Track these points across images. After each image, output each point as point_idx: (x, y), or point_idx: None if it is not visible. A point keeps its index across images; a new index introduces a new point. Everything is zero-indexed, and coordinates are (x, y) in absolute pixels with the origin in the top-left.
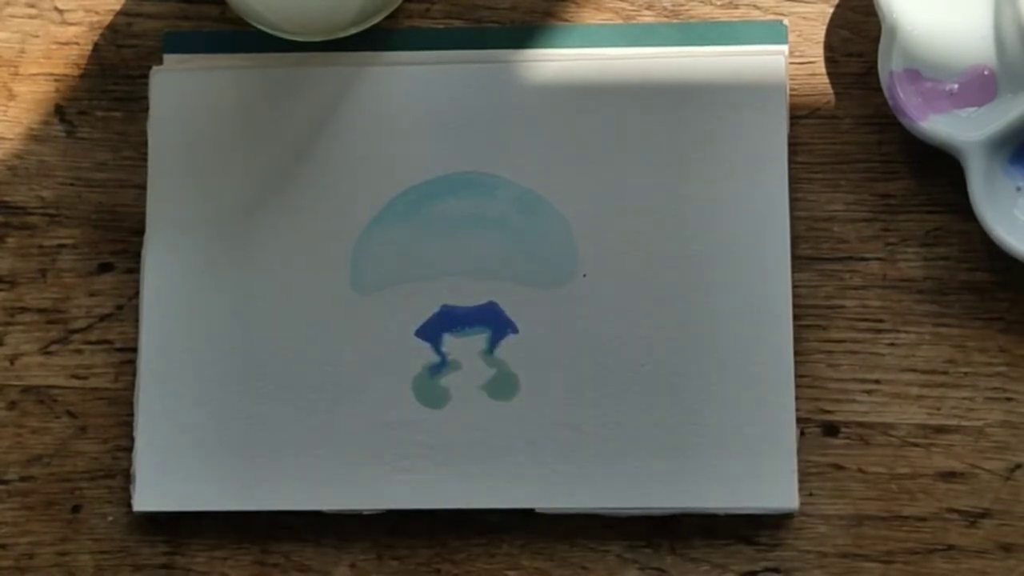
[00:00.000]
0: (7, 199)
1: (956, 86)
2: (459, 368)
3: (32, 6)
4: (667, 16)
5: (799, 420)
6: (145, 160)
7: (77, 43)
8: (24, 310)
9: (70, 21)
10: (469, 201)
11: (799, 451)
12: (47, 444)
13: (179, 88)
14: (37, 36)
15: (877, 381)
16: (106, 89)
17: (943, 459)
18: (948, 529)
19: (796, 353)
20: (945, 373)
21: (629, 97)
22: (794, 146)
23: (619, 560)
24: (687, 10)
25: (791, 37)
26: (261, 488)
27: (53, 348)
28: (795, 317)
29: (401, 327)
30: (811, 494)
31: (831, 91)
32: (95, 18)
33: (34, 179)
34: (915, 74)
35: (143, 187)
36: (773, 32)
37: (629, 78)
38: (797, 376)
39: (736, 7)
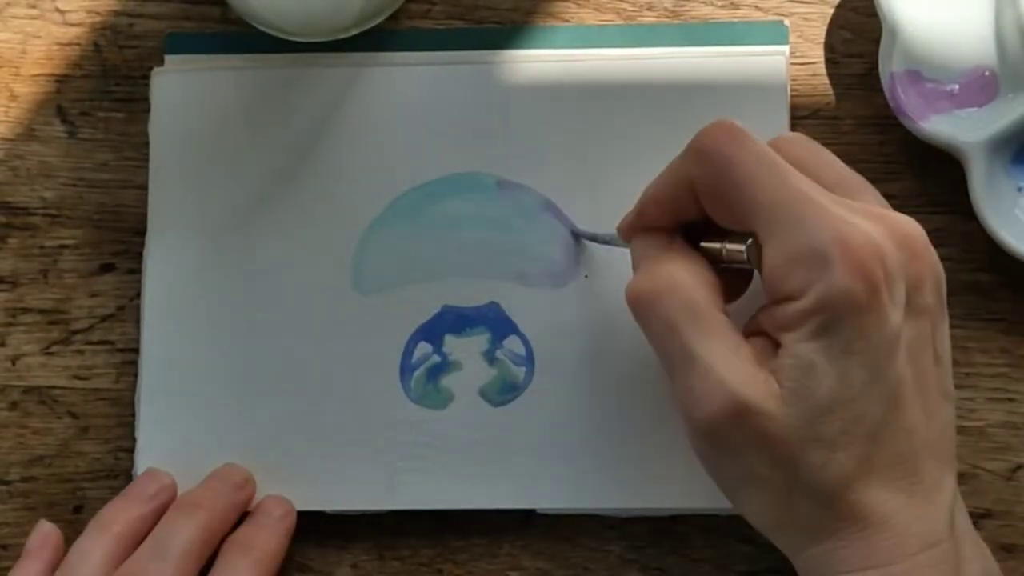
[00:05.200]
0: (8, 199)
1: (957, 87)
2: (460, 368)
3: (34, 7)
4: (668, 16)
5: None
6: (146, 161)
7: (79, 44)
8: (26, 311)
9: (72, 22)
10: (470, 201)
11: None
12: (49, 444)
13: (181, 89)
14: (39, 37)
15: None
16: (108, 90)
17: None
18: None
19: None
20: None
21: (630, 98)
22: None
23: (620, 561)
24: (688, 10)
25: (792, 38)
26: (262, 488)
27: (54, 348)
28: None
29: (402, 327)
30: None
31: (832, 92)
32: (97, 19)
33: (35, 180)
34: (916, 75)
35: (144, 188)
36: (774, 33)
37: (630, 79)
38: None
39: (737, 7)
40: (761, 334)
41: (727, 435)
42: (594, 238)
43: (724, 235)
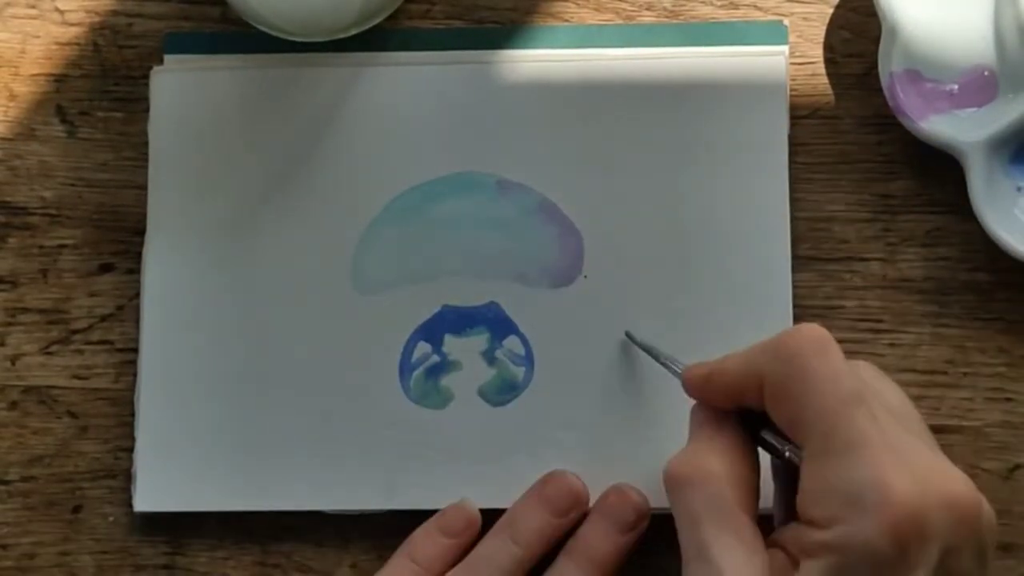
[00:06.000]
0: (8, 199)
1: (956, 86)
2: (460, 368)
3: (33, 6)
4: (667, 16)
5: None
6: (146, 160)
7: (78, 43)
8: (25, 310)
9: (71, 21)
10: (470, 201)
11: None
12: (48, 444)
13: (180, 88)
14: (38, 36)
15: None
16: (107, 89)
17: None
18: None
19: None
20: (945, 373)
21: (629, 98)
22: (794, 146)
23: None
24: (687, 10)
25: (791, 37)
26: (262, 488)
27: (54, 348)
28: (795, 317)
29: (402, 327)
30: None
31: (831, 91)
32: (96, 19)
33: (35, 179)
34: (915, 74)
35: (144, 187)
36: (773, 32)
37: (629, 79)
38: None
39: (736, 7)
40: (784, 549)
41: None
42: (649, 351)
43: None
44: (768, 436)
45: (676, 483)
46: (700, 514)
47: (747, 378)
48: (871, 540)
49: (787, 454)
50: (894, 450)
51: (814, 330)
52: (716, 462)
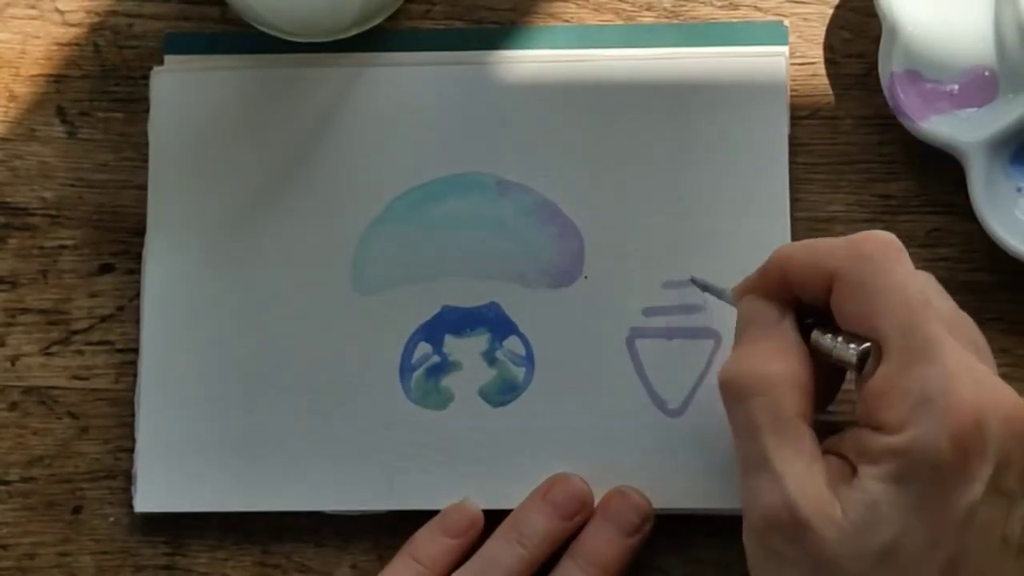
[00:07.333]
0: (8, 200)
1: (957, 87)
2: (460, 369)
3: (33, 7)
4: (667, 17)
5: None
6: (146, 161)
7: (78, 44)
8: (25, 311)
9: (71, 22)
10: (470, 201)
11: None
12: (48, 445)
13: (180, 89)
14: (38, 37)
15: None
16: (107, 90)
17: None
18: None
19: None
20: None
21: (629, 98)
22: (794, 147)
23: None
24: (687, 11)
25: (791, 38)
26: (262, 489)
27: (54, 349)
28: None
29: (402, 328)
30: None
31: (831, 92)
32: (96, 19)
33: (35, 180)
34: (916, 75)
35: (144, 188)
36: (773, 33)
37: (629, 79)
38: None
39: (736, 8)
40: (841, 456)
41: (779, 545)
42: (707, 288)
43: (836, 332)
44: (819, 338)
45: (733, 391)
46: (760, 424)
47: (816, 271)
48: (936, 443)
49: (834, 352)
50: (966, 361)
51: (888, 235)
52: (773, 364)
